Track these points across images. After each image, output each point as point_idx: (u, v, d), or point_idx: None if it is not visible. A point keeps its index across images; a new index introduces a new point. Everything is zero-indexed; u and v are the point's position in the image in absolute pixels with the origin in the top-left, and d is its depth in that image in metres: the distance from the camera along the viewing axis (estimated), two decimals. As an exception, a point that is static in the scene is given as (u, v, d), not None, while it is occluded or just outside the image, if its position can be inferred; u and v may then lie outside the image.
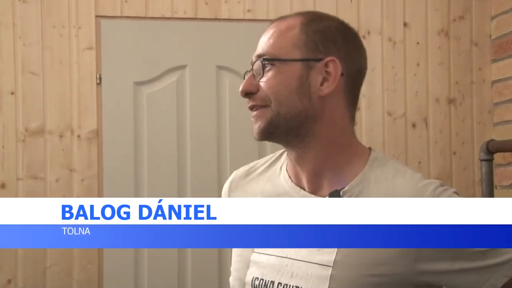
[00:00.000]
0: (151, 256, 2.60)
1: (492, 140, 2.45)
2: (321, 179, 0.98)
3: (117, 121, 2.61)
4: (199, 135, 2.67)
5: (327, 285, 0.90)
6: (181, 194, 2.63)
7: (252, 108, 0.99)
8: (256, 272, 0.99)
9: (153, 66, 2.66)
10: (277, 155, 1.10)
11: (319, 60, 0.96)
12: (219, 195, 2.92)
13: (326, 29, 0.98)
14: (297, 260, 0.95)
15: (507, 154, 2.61)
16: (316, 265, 0.93)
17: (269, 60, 0.96)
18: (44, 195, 2.53)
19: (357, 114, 3.04)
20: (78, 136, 2.57)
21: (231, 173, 2.85)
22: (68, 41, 2.59)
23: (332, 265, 0.91)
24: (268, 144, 2.69)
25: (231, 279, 1.07)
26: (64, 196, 2.54)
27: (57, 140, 2.56)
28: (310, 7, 2.77)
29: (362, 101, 2.79)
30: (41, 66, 2.56)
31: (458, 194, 0.96)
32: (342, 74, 0.96)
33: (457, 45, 2.85)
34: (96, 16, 2.62)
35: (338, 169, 0.97)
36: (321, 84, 0.96)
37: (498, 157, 2.55)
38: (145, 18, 2.66)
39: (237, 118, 2.69)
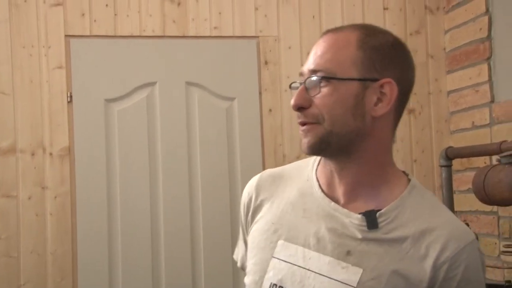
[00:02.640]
0: (125, 270, 2.63)
1: (451, 147, 2.57)
2: (357, 193, 0.97)
3: (89, 138, 2.65)
4: (170, 150, 2.73)
5: None
6: (153, 207, 2.68)
7: (303, 123, 0.96)
8: (274, 279, 0.97)
9: (123, 83, 2.71)
10: (305, 162, 1.07)
11: (376, 80, 0.94)
12: (191, 208, 2.97)
13: (382, 46, 0.95)
14: (320, 274, 0.93)
15: (464, 160, 2.75)
16: (339, 283, 0.91)
17: (327, 77, 0.94)
18: (16, 213, 2.55)
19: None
20: (50, 153, 2.60)
21: (202, 187, 2.92)
22: (38, 60, 2.62)
23: (355, 286, 0.90)
24: (237, 158, 2.77)
25: (247, 280, 1.04)
26: (36, 214, 2.56)
27: (29, 158, 2.58)
28: (273, 24, 2.88)
29: (327, 113, 2.90)
30: (11, 86, 2.59)
31: (483, 262, 0.98)
32: (397, 95, 0.95)
33: (414, 58, 2.96)
34: (66, 36, 2.66)
35: (376, 186, 0.97)
36: (375, 105, 0.94)
37: (456, 164, 2.69)
38: (114, 36, 2.72)
39: (206, 132, 2.76)
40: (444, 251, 0.92)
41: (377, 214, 0.94)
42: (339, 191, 0.98)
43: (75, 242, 2.60)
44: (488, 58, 2.65)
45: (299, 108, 0.96)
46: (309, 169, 1.04)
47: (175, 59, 2.77)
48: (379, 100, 0.95)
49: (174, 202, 2.70)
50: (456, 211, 2.56)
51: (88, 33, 2.69)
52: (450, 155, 2.41)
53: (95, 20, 2.69)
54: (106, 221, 2.63)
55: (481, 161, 2.64)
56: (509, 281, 2.18)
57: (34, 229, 2.56)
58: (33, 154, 2.58)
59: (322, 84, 0.94)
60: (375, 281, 0.90)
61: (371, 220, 0.93)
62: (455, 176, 2.73)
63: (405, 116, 2.96)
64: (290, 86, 1.00)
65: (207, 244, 2.71)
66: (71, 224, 2.60)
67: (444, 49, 3.00)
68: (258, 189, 1.07)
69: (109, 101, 2.69)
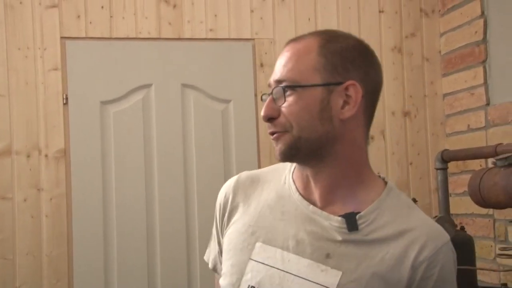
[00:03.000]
0: (121, 272, 2.63)
1: (446, 149, 2.58)
2: (334, 196, 0.98)
3: (84, 140, 2.64)
4: (166, 152, 2.73)
5: None
6: (149, 209, 2.68)
7: (272, 133, 0.98)
8: (252, 281, 0.97)
9: (119, 85, 2.71)
10: (283, 164, 1.07)
11: (340, 83, 0.95)
12: (186, 211, 2.96)
13: (343, 50, 0.96)
14: (299, 277, 0.93)
15: (460, 163, 2.76)
16: (319, 285, 0.92)
17: (290, 86, 0.95)
18: (12, 215, 2.54)
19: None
20: (46, 155, 2.60)
21: (197, 188, 2.92)
22: (34, 62, 2.62)
23: None
24: (233, 160, 2.77)
25: (223, 281, 1.04)
26: (32, 216, 2.56)
27: (25, 160, 2.57)
28: (269, 27, 2.88)
29: (322, 116, 2.90)
30: (7, 87, 2.58)
31: (455, 261, 0.99)
32: (362, 96, 0.96)
33: (410, 61, 3.00)
34: (61, 38, 2.65)
35: (353, 189, 0.98)
36: (342, 108, 0.95)
37: (451, 166, 2.69)
38: (110, 38, 2.71)
39: (202, 134, 2.76)
40: (422, 251, 0.93)
41: (357, 216, 0.95)
42: (316, 195, 0.99)
43: (70, 244, 2.59)
44: (484, 61, 2.66)
45: (269, 118, 0.97)
46: (286, 173, 1.05)
47: (171, 61, 2.77)
48: (346, 102, 0.96)
49: (170, 204, 2.70)
50: (451, 214, 2.56)
51: (83, 35, 2.68)
52: (445, 158, 2.42)
53: (90, 22, 2.69)
54: (101, 223, 2.63)
55: (476, 164, 2.64)
56: (505, 284, 2.18)
57: (29, 231, 2.55)
58: (28, 156, 2.58)
59: (287, 94, 0.96)
60: (354, 284, 0.91)
61: (351, 222, 0.94)
62: (450, 179, 2.73)
63: (400, 119, 2.99)
64: (261, 99, 1.02)
65: (202, 245, 2.70)
66: (66, 226, 2.59)
67: (440, 52, 3.01)
68: (235, 190, 1.08)
69: (105, 103, 2.69)
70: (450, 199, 2.65)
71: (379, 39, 2.98)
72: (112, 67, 2.70)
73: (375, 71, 1.01)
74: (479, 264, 2.39)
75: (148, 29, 2.76)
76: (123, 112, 2.71)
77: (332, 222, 0.96)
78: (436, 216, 1.97)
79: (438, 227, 0.99)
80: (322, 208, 0.98)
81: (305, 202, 0.99)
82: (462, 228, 2.11)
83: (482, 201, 1.97)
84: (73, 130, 2.64)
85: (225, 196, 1.10)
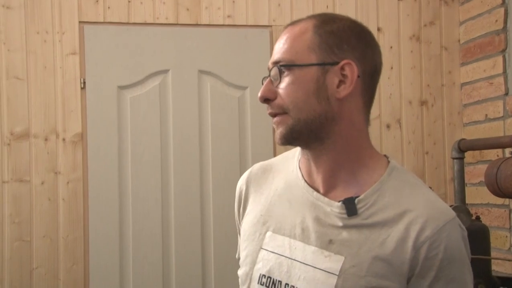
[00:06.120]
0: (136, 257, 2.66)
1: (463, 139, 2.56)
2: (336, 180, 0.98)
3: (101, 125, 2.66)
4: (182, 138, 2.74)
5: None
6: (164, 195, 2.70)
7: (272, 115, 0.99)
8: (263, 270, 0.99)
9: (136, 70, 2.72)
10: (292, 152, 1.10)
11: (335, 63, 0.95)
12: (201, 197, 2.98)
13: (339, 30, 0.97)
14: (305, 264, 0.95)
15: (476, 153, 2.74)
16: (323, 271, 0.93)
17: (286, 66, 0.96)
18: (29, 198, 2.57)
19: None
20: (63, 139, 2.62)
21: (213, 175, 2.94)
22: (52, 46, 2.63)
23: (338, 274, 0.92)
24: (249, 146, 2.78)
25: (240, 272, 1.06)
26: (49, 199, 2.59)
27: (42, 143, 2.60)
28: (287, 14, 2.87)
29: (339, 104, 2.90)
30: (26, 71, 2.60)
31: (465, 238, 0.96)
32: (358, 76, 0.96)
33: (428, 50, 2.98)
34: (80, 22, 2.67)
35: (355, 171, 0.98)
36: (338, 87, 0.96)
37: (467, 156, 2.67)
38: (127, 23, 2.72)
39: (218, 120, 2.77)
40: (423, 230, 0.91)
41: (356, 200, 0.95)
42: (318, 180, 1.00)
43: (86, 228, 2.62)
44: (503, 50, 2.63)
45: (266, 99, 0.98)
46: (294, 160, 1.06)
47: (188, 47, 2.77)
48: (342, 82, 0.96)
49: (185, 189, 2.72)
50: (467, 204, 2.55)
51: (101, 20, 2.69)
52: (462, 148, 2.40)
53: (109, 7, 2.70)
54: (117, 207, 2.65)
55: (493, 154, 2.62)
56: (519, 274, 2.17)
57: (46, 214, 2.58)
58: (46, 140, 2.60)
59: (284, 74, 0.97)
60: (356, 268, 0.91)
61: (350, 207, 0.94)
62: (466, 169, 2.72)
63: (417, 108, 2.97)
64: (262, 82, 1.02)
65: (216, 230, 2.72)
66: (83, 210, 2.62)
67: (459, 40, 2.98)
68: (248, 182, 1.10)
69: (122, 88, 2.70)
70: (466, 189, 2.63)
71: (397, 27, 2.96)
72: (130, 52, 2.71)
73: (372, 51, 1.00)
74: (493, 254, 2.38)
75: (166, 14, 2.76)
76: (140, 97, 2.72)
77: (333, 208, 0.96)
78: (451, 206, 1.96)
79: (441, 205, 0.96)
80: (325, 193, 0.99)
81: (310, 189, 1.00)
82: (478, 218, 2.10)
83: (499, 191, 1.95)
84: (90, 114, 2.65)
85: (239, 189, 1.12)
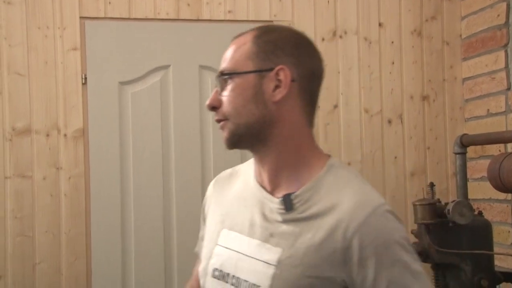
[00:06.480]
0: (138, 252, 2.66)
1: (466, 134, 2.56)
2: (280, 179, 1.05)
3: (103, 120, 2.66)
4: (183, 133, 2.74)
5: (270, 282, 0.98)
6: (165, 189, 2.70)
7: (217, 121, 1.07)
8: (217, 264, 1.07)
9: (137, 66, 2.72)
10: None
11: (271, 69, 1.02)
12: (203, 192, 2.98)
13: (276, 39, 1.04)
14: (250, 256, 1.02)
15: (478, 148, 2.73)
16: (263, 263, 1.00)
17: (226, 74, 1.04)
18: (31, 193, 2.57)
19: (335, 112, 3.15)
20: (65, 135, 2.62)
21: (214, 170, 2.94)
22: (53, 42, 2.63)
23: (275, 264, 0.99)
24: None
25: (200, 267, 1.14)
26: (51, 195, 2.59)
27: (44, 139, 2.60)
28: (288, 9, 2.86)
29: (340, 99, 2.90)
30: (27, 67, 2.60)
31: (398, 220, 0.99)
32: (293, 80, 1.02)
33: (430, 45, 2.97)
34: (81, 17, 2.66)
35: (296, 170, 1.04)
36: (274, 91, 1.02)
37: (469, 151, 2.67)
38: (128, 19, 2.72)
39: (220, 116, 2.76)
40: (352, 221, 0.96)
41: (292, 196, 1.02)
42: (265, 179, 1.07)
43: (88, 223, 2.62)
44: (506, 45, 2.63)
45: (212, 107, 1.06)
46: (252, 163, 1.14)
47: (189, 42, 2.76)
48: (277, 86, 1.02)
49: (186, 184, 2.72)
50: (469, 199, 2.55)
51: (102, 15, 2.69)
52: (465, 143, 2.39)
53: (109, 2, 2.69)
54: (119, 202, 2.65)
55: (495, 149, 2.62)
56: (521, 269, 2.17)
57: (48, 209, 2.58)
58: (48, 135, 2.60)
59: (227, 83, 1.04)
60: (292, 259, 0.98)
61: (286, 203, 1.01)
62: (468, 164, 2.71)
63: (419, 103, 2.97)
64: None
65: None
66: (84, 205, 2.62)
67: (460, 35, 2.97)
68: (215, 185, 1.21)
69: (123, 83, 2.70)
70: (468, 184, 2.63)
71: (398, 22, 2.95)
72: (131, 47, 2.71)
73: (309, 57, 1.06)
74: (496, 249, 2.38)
75: (167, 10, 2.75)
76: (141, 93, 2.72)
77: (274, 204, 1.04)
78: (454, 201, 1.96)
79: (370, 194, 1.01)
80: (271, 191, 1.06)
81: (259, 188, 1.08)
82: (480, 213, 2.09)
83: (502, 186, 1.95)
84: (91, 110, 2.65)
85: (207, 193, 1.23)
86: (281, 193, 1.04)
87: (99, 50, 2.67)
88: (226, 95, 1.04)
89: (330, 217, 0.98)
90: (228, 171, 1.21)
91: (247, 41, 1.04)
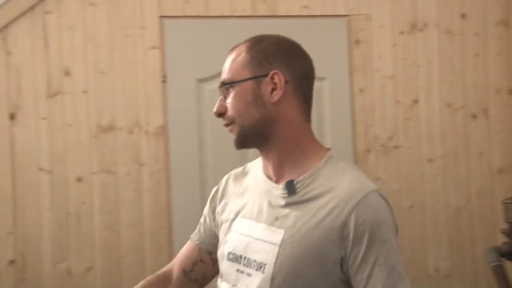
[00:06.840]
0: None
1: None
2: (283, 170, 1.18)
3: (182, 117, 2.72)
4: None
5: (274, 260, 1.11)
6: (243, 186, 2.72)
7: (226, 125, 1.20)
8: (230, 248, 1.21)
9: (214, 63, 2.74)
10: None
11: (266, 75, 1.15)
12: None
13: (266, 47, 1.17)
14: (258, 239, 1.15)
15: None
16: (269, 243, 1.13)
17: (227, 84, 1.17)
18: (116, 188, 2.66)
19: (415, 106, 3.06)
20: (146, 132, 2.69)
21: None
22: (134, 41, 2.70)
23: (279, 244, 1.11)
24: (328, 138, 2.74)
25: (218, 252, 1.27)
26: (134, 190, 2.67)
27: (127, 136, 2.68)
28: (365, 2, 2.81)
29: (420, 93, 2.81)
30: (110, 66, 2.69)
31: (390, 207, 1.11)
32: (287, 82, 1.15)
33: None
34: (160, 17, 2.72)
35: (298, 161, 1.17)
36: (271, 93, 1.15)
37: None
38: (205, 17, 2.75)
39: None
40: (348, 202, 1.08)
41: (295, 181, 1.14)
42: (271, 171, 1.21)
43: (170, 218, 2.69)
44: None
45: (219, 114, 1.19)
46: (259, 161, 1.28)
47: (265, 38, 2.76)
48: (274, 89, 1.15)
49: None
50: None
51: (180, 14, 2.74)
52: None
53: (187, 1, 2.74)
54: (199, 198, 2.70)
55: None
56: None
57: (132, 205, 2.66)
58: (130, 132, 2.68)
59: (229, 91, 1.17)
60: (293, 238, 1.10)
61: (289, 187, 1.14)
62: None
63: (505, 97, 2.84)
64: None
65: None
66: (166, 201, 2.69)
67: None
68: (228, 179, 1.33)
69: (200, 81, 2.74)
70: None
71: (484, 12, 2.83)
72: (208, 45, 2.74)
73: (298, 60, 1.18)
74: None
75: (243, 6, 2.77)
76: (218, 90, 2.74)
77: (279, 190, 1.17)
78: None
79: (364, 182, 1.12)
80: (277, 181, 1.19)
81: (266, 179, 1.21)
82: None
83: None
84: (171, 107, 2.71)
85: (221, 184, 1.35)
86: (285, 181, 1.17)
87: (177, 48, 2.73)
88: (229, 102, 1.17)
89: (328, 199, 1.10)
90: (240, 168, 1.34)
91: (241, 52, 1.17)
